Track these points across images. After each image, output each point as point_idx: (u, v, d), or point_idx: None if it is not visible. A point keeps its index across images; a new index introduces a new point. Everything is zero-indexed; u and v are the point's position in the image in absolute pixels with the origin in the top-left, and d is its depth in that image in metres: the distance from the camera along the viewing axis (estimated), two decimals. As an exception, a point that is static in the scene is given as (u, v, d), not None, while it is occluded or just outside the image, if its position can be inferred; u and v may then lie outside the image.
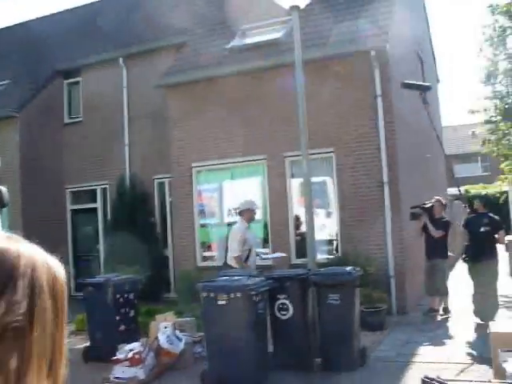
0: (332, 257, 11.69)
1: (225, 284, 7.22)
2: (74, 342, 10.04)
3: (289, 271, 8.70)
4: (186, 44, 14.79)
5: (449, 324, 10.27)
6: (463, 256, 10.37)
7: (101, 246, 15.78)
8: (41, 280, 1.06)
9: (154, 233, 14.83)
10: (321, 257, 11.15)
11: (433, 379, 2.64)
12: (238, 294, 6.91)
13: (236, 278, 7.48)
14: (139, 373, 7.59)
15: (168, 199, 15.10)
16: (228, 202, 13.34)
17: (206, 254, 13.54)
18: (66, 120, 17.09)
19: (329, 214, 12.46)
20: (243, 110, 12.79)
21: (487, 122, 16.90)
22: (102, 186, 16.12)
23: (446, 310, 10.93)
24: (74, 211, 16.77)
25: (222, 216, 13.46)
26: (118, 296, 8.92)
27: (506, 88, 16.53)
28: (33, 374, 1.02)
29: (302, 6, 8.58)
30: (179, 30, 15.36)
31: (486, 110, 16.72)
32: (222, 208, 13.46)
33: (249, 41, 13.66)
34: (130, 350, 7.77)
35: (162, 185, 15.39)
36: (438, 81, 20.47)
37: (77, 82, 16.99)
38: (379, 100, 11.57)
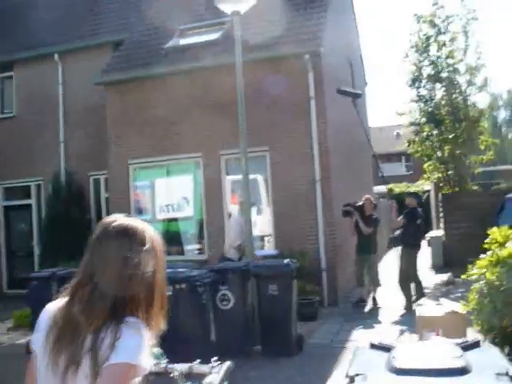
0: (266, 252, 12.12)
1: (170, 275, 7.51)
2: (15, 337, 10.08)
3: (230, 263, 9.07)
4: (124, 42, 14.87)
5: (378, 312, 10.92)
6: (392, 243, 11.41)
7: (35, 243, 15.67)
8: (158, 246, 1.75)
9: (89, 229, 14.84)
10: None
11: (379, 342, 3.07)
12: (183, 285, 7.26)
13: (180, 269, 7.80)
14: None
15: (104, 196, 15.17)
16: (162, 198, 13.56)
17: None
18: (-2, 115, 16.85)
19: (261, 211, 12.89)
20: (180, 108, 13.04)
21: (412, 123, 17.77)
22: (37, 183, 15.94)
23: (375, 301, 11.57)
24: (7, 207, 16.51)
25: (155, 212, 13.64)
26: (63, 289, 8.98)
27: (429, 92, 17.44)
28: (156, 306, 1.77)
29: (243, 11, 8.99)
30: (117, 28, 15.46)
31: (411, 112, 17.60)
32: (155, 204, 13.66)
33: (186, 41, 13.90)
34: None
35: (97, 181, 15.43)
36: (365, 84, 21.33)
37: (10, 77, 16.73)
38: (312, 102, 12.09)
